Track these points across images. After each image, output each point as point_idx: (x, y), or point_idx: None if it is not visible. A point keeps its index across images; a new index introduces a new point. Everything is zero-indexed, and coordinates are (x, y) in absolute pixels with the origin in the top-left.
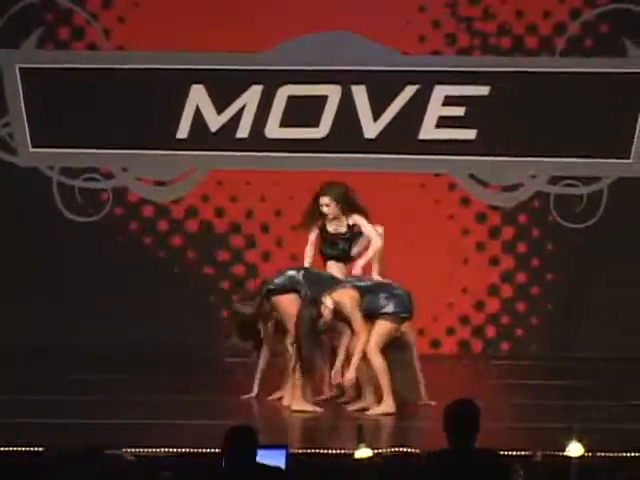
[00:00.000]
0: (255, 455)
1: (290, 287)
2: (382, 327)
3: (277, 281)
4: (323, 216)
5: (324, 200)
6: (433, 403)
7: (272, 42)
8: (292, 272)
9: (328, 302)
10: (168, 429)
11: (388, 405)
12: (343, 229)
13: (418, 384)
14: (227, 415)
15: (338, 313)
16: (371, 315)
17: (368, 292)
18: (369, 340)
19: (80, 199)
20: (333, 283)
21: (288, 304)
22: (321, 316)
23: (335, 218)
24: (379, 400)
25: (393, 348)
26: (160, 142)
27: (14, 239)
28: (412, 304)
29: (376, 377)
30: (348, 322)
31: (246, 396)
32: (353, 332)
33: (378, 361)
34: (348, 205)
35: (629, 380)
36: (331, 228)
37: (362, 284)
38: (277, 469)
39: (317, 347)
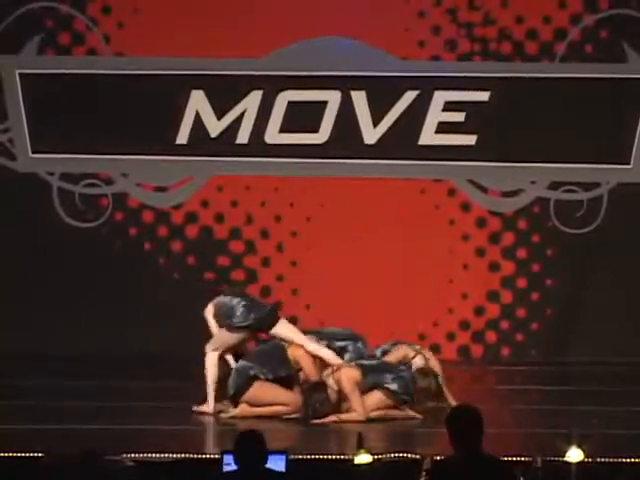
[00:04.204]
0: (266, 459)
1: (247, 379)
2: (380, 399)
3: (232, 385)
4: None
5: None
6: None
7: (272, 48)
8: (238, 365)
9: (331, 382)
10: (167, 435)
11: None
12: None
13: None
14: (225, 422)
15: (339, 391)
16: (374, 388)
17: (373, 371)
18: (363, 404)
19: (80, 205)
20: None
21: (258, 394)
22: (329, 399)
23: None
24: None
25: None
26: (160, 148)
27: (14, 245)
28: (415, 388)
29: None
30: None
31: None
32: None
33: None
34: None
35: (629, 385)
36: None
37: (367, 363)
38: (281, 474)
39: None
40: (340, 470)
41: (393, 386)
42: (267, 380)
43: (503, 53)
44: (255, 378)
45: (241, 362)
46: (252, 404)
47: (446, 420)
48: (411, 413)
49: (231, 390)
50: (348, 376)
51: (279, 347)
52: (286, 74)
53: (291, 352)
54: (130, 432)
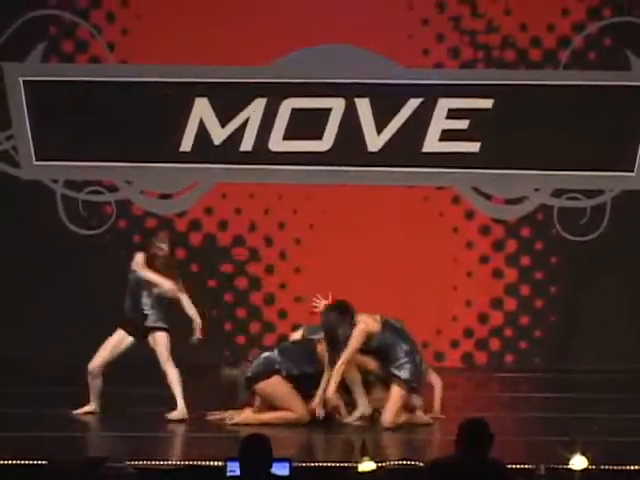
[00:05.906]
0: (271, 464)
1: (269, 370)
2: (396, 395)
3: (253, 369)
4: None
5: None
6: (442, 416)
7: (276, 55)
8: (266, 353)
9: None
10: (169, 442)
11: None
12: None
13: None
14: (226, 429)
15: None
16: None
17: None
18: (388, 412)
19: (84, 212)
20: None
21: (272, 388)
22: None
23: None
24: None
25: None
26: (164, 155)
27: (18, 252)
28: (424, 374)
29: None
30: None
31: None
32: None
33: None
34: None
35: (633, 392)
36: None
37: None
38: (284, 478)
39: None
40: (344, 477)
41: (404, 374)
42: (291, 376)
43: (507, 60)
44: (277, 372)
45: (271, 352)
46: (260, 397)
47: (459, 427)
48: (425, 418)
49: (249, 372)
50: (367, 323)
51: (310, 343)
52: (290, 81)
53: (320, 348)
54: (132, 439)
